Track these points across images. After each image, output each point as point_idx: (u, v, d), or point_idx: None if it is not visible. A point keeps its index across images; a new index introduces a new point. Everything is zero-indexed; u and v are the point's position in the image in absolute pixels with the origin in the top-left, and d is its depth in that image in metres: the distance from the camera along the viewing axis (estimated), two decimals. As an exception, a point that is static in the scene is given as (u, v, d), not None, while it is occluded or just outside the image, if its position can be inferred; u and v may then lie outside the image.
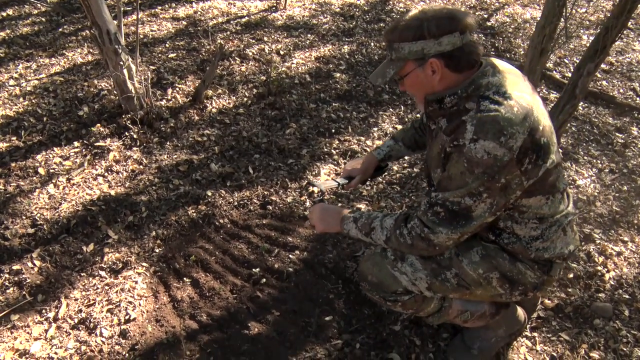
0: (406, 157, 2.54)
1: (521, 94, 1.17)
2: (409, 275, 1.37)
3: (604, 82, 3.86)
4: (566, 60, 4.19)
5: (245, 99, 3.46)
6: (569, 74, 3.97)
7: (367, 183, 2.47)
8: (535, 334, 1.95)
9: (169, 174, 2.76)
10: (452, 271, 1.34)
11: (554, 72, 3.97)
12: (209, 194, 2.56)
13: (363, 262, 1.49)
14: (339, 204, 2.58)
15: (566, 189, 1.33)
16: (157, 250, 2.30)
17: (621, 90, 3.78)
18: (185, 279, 2.14)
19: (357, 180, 1.74)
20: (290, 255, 2.18)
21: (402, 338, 1.88)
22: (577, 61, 3.87)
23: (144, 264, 2.24)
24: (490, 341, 1.77)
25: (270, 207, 2.49)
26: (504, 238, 1.30)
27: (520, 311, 1.81)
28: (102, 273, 2.18)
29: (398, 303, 1.44)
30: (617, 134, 3.20)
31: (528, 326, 1.95)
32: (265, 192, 2.59)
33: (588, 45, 4.28)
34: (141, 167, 2.81)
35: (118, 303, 2.04)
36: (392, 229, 1.30)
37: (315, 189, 2.37)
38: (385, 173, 2.40)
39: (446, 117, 1.24)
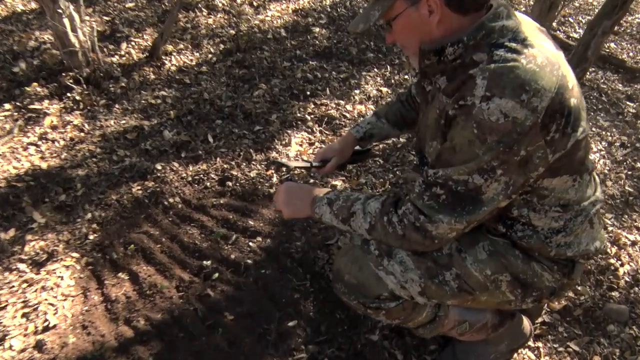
0: (392, 138, 2.20)
1: (542, 43, 0.96)
2: (397, 275, 1.13)
3: (612, 45, 3.44)
4: (571, 19, 3.75)
5: (210, 56, 2.99)
6: (575, 35, 3.50)
7: (347, 168, 2.14)
8: (540, 344, 1.61)
9: (114, 142, 2.36)
10: (452, 272, 1.11)
11: (558, 32, 3.50)
12: (159, 167, 2.22)
13: (339, 258, 1.24)
14: (311, 182, 2.16)
15: (594, 170, 1.13)
16: (91, 237, 1.91)
17: (631, 54, 3.39)
18: (122, 273, 1.80)
19: (332, 163, 1.47)
20: (250, 243, 1.86)
21: (380, 350, 1.56)
22: (583, 20, 3.43)
23: (74, 254, 1.83)
24: (488, 357, 1.42)
25: (230, 184, 2.16)
26: (517, 230, 1.08)
27: (526, 322, 1.51)
28: (22, 266, 1.77)
29: (382, 311, 1.20)
30: (628, 103, 2.84)
31: (530, 334, 1.60)
32: (226, 166, 2.26)
33: (596, 2, 3.83)
34: (82, 134, 2.36)
35: (36, 306, 1.64)
36: (378, 216, 1.06)
37: (283, 168, 1.96)
38: (369, 158, 2.02)
39: (446, 73, 1.01)
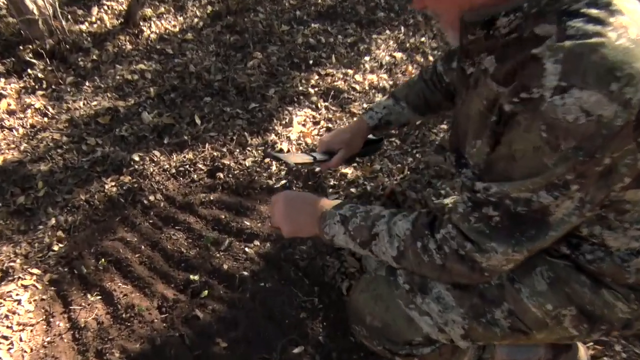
0: (412, 124, 1.99)
1: (635, 7, 0.74)
2: (434, 316, 0.97)
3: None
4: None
5: (196, 20, 2.67)
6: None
7: (356, 161, 1.92)
8: (599, 371, 1.32)
9: (83, 129, 2.08)
10: (503, 308, 0.95)
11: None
12: (137, 158, 1.98)
13: (358, 293, 1.05)
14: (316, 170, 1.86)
15: None
16: (55, 248, 1.66)
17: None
18: (93, 292, 1.56)
19: (339, 156, 1.27)
20: (247, 249, 1.63)
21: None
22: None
23: (35, 270, 1.58)
24: (539, 396, 1.27)
25: (222, 176, 1.93)
26: (584, 252, 0.91)
27: (583, 350, 1.27)
28: (-30, 287, 1.47)
29: (413, 358, 1.04)
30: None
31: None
32: (216, 153, 2.02)
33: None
34: (45, 120, 2.08)
35: (-14, 338, 1.35)
36: (409, 240, 0.90)
37: (279, 163, 1.67)
38: (382, 148, 1.85)
39: (496, 52, 0.81)
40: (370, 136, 1.32)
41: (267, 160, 1.98)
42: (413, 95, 1.29)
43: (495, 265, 0.82)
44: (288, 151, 1.45)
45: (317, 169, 1.89)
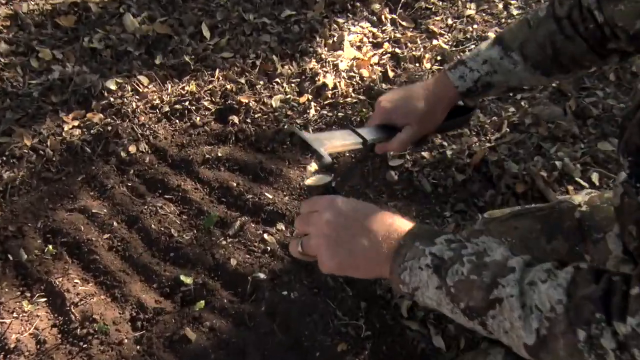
0: (521, 88, 1.71)
1: None
2: None
3: None
4: None
5: None
6: None
7: (430, 142, 1.73)
8: None
9: (33, 33, 1.94)
10: None
11: None
12: (113, 86, 1.82)
13: None
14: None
15: None
16: None
17: None
18: (34, 292, 1.42)
19: (404, 137, 1.04)
20: (266, 236, 1.47)
21: None
22: None
23: None
24: None
25: (237, 120, 1.76)
26: None
27: None
28: None
29: None
30: None
31: None
32: (230, 85, 1.84)
33: None
34: None
35: None
36: (563, 322, 0.68)
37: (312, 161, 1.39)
38: (471, 121, 1.68)
39: None
40: (460, 103, 1.14)
41: (303, 98, 1.76)
42: (534, 43, 1.08)
43: None
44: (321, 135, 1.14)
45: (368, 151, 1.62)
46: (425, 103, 1.09)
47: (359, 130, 1.04)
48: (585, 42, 1.05)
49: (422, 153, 1.63)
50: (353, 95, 1.70)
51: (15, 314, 1.36)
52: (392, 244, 0.76)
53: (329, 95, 1.76)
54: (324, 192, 0.83)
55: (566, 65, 1.11)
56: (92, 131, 1.72)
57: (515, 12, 1.95)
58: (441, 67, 1.76)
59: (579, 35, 1.05)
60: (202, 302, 1.37)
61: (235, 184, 1.59)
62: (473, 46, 1.82)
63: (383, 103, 1.10)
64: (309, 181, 0.87)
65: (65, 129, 1.72)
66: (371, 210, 0.82)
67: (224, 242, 1.46)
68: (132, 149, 1.67)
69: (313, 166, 0.98)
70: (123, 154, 1.66)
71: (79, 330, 1.29)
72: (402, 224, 0.78)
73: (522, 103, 1.79)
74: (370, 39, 1.98)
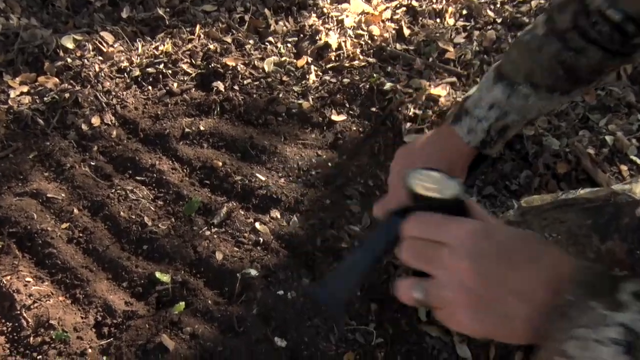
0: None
1: None
2: None
3: None
4: None
5: None
6: None
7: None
8: None
9: None
10: None
11: None
12: (70, 44, 1.77)
13: None
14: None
15: None
16: None
17: None
18: None
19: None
20: (258, 225, 1.42)
21: None
22: None
23: None
24: None
25: (222, 87, 1.69)
26: None
27: None
28: None
29: None
30: None
31: None
32: (213, 45, 1.77)
33: None
34: None
35: None
36: None
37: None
38: (491, 163, 1.59)
39: None
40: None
41: (300, 62, 1.70)
42: (540, 69, 1.03)
43: None
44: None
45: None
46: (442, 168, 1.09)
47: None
48: (602, 49, 1.00)
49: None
50: (361, 57, 1.66)
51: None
52: (551, 297, 0.70)
53: (332, 58, 1.71)
54: (446, 209, 0.62)
55: (585, 78, 1.05)
56: (45, 99, 1.66)
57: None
58: (467, 24, 1.69)
59: (593, 43, 1.00)
60: (182, 304, 1.30)
61: (220, 164, 1.54)
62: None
63: (393, 183, 1.00)
64: (422, 189, 0.65)
65: (12, 95, 1.67)
66: (531, 249, 0.66)
67: (207, 233, 1.40)
68: (95, 120, 1.61)
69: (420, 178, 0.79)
70: (84, 127, 1.61)
71: (31, 338, 1.21)
72: (560, 264, 0.64)
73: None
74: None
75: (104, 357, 1.22)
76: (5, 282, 1.36)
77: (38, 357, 1.21)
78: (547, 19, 1.04)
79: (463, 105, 1.08)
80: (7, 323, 1.27)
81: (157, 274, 1.34)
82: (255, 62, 1.74)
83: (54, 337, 1.23)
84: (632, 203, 1.02)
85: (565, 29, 0.99)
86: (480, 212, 0.64)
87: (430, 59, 1.67)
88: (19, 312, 1.26)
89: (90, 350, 1.22)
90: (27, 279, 1.37)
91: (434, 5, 1.76)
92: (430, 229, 0.61)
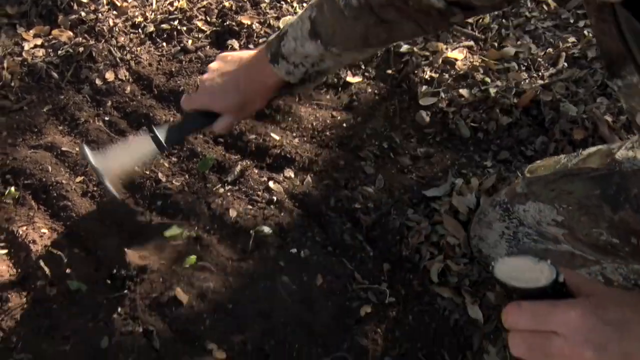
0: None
1: None
2: None
3: None
4: None
5: None
6: None
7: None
8: None
9: None
10: None
11: None
12: None
13: None
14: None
15: None
16: None
17: None
18: None
19: (224, 123, 1.25)
20: (272, 183, 1.44)
21: None
22: None
23: None
24: None
25: (236, 45, 1.67)
26: None
27: None
28: None
29: None
30: None
31: None
32: (228, 2, 1.77)
33: None
34: None
35: None
36: None
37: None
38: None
39: None
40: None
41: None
42: (354, 36, 1.16)
43: None
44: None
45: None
46: (242, 98, 1.21)
47: (161, 130, 1.16)
48: (418, 25, 1.09)
49: (460, 91, 1.53)
50: None
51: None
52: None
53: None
54: (545, 294, 0.60)
55: (398, 40, 1.32)
56: (59, 52, 1.61)
57: None
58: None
59: (408, 19, 1.09)
60: (193, 257, 1.28)
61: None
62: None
63: (201, 91, 1.23)
64: (516, 282, 0.61)
65: (26, 48, 1.63)
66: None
67: (221, 190, 1.38)
68: (109, 76, 1.58)
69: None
70: (98, 82, 1.57)
71: (47, 288, 1.20)
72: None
73: (585, 32, 1.67)
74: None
75: (118, 309, 1.20)
76: (21, 232, 1.32)
77: (54, 307, 1.19)
78: None
79: (280, 49, 1.16)
80: (23, 273, 1.27)
81: (172, 229, 1.32)
82: (271, 21, 1.70)
83: (69, 287, 1.22)
84: (638, 172, 1.02)
85: (380, 3, 1.07)
86: (578, 284, 0.64)
87: (448, 22, 1.65)
88: (34, 262, 1.26)
89: (105, 302, 1.21)
90: (43, 230, 1.34)
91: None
92: (537, 320, 0.59)
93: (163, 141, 1.18)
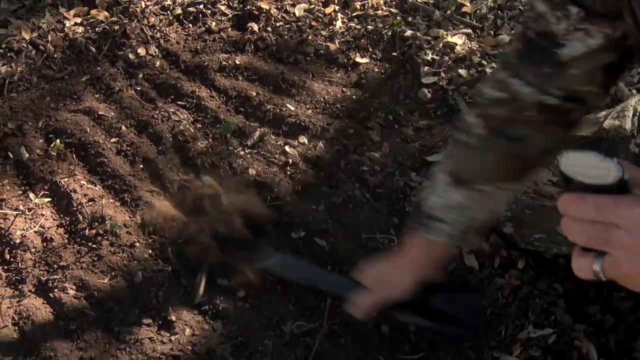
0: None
1: None
2: None
3: None
4: None
5: None
6: None
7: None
8: None
9: None
10: None
11: None
12: None
13: None
14: None
15: None
16: None
17: None
18: (38, 190, 1.44)
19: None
20: (287, 148, 1.50)
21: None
22: None
23: None
24: None
25: (256, 28, 1.76)
26: None
27: None
28: None
29: None
30: None
31: None
32: None
33: None
34: None
35: None
36: None
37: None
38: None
39: None
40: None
41: (329, 9, 1.75)
42: (495, 167, 1.05)
43: None
44: None
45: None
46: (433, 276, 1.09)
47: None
48: (543, 132, 0.98)
49: (459, 71, 1.58)
50: (384, 8, 1.71)
51: (18, 211, 1.34)
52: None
53: (358, 7, 1.76)
54: (608, 190, 0.59)
55: (538, 158, 1.06)
56: (97, 29, 1.71)
57: None
58: None
59: (533, 129, 0.99)
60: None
61: (254, 94, 1.58)
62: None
63: (365, 270, 1.10)
64: (583, 177, 0.60)
65: (67, 25, 1.71)
66: None
67: (242, 152, 1.47)
68: (141, 51, 1.67)
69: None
70: (131, 56, 1.66)
71: (87, 230, 1.29)
72: None
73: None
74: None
75: (150, 251, 1.29)
76: (63, 183, 1.40)
77: (93, 246, 1.28)
78: (479, 115, 1.03)
79: (424, 211, 1.07)
80: (65, 217, 1.35)
81: (203, 178, 1.38)
82: (287, 7, 1.79)
83: (107, 229, 1.30)
84: (624, 139, 1.05)
85: (504, 122, 1.00)
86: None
87: (448, 12, 1.71)
88: (75, 208, 1.34)
89: (138, 244, 1.29)
90: (82, 182, 1.42)
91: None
92: (601, 212, 0.60)
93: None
